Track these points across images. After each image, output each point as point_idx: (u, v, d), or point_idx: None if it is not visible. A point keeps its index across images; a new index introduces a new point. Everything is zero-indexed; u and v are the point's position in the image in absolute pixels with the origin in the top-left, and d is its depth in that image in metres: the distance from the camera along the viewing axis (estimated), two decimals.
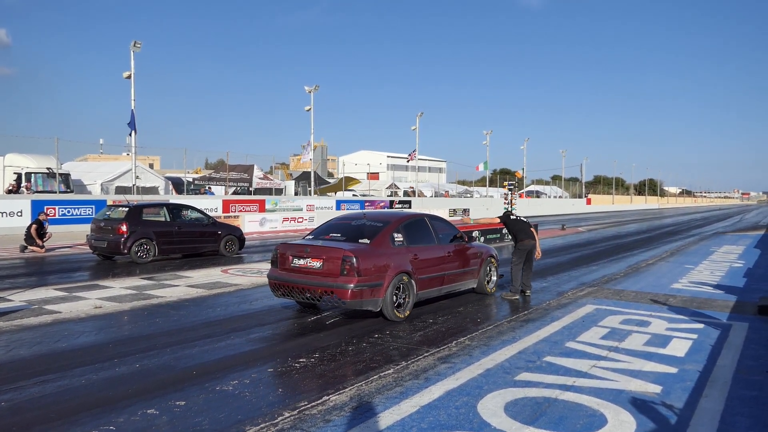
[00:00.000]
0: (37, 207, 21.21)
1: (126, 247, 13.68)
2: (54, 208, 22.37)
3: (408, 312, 8.10)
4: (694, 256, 17.54)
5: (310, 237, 8.71)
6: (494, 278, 10.36)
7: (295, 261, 7.98)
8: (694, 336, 7.18)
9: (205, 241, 15.53)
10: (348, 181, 47.88)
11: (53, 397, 4.91)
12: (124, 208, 14.45)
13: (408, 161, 50.26)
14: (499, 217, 10.85)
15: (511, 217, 10.50)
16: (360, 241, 8.08)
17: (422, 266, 8.43)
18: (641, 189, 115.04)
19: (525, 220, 10.37)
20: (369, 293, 7.55)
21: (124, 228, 13.73)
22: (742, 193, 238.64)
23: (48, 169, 26.74)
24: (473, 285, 9.94)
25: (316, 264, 7.75)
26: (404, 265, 8.06)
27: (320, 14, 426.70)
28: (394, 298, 7.85)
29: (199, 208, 17.08)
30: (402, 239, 8.34)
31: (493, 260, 10.32)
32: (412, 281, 8.15)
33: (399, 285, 7.92)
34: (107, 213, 14.75)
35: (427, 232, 9.01)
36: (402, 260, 8.08)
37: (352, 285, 7.39)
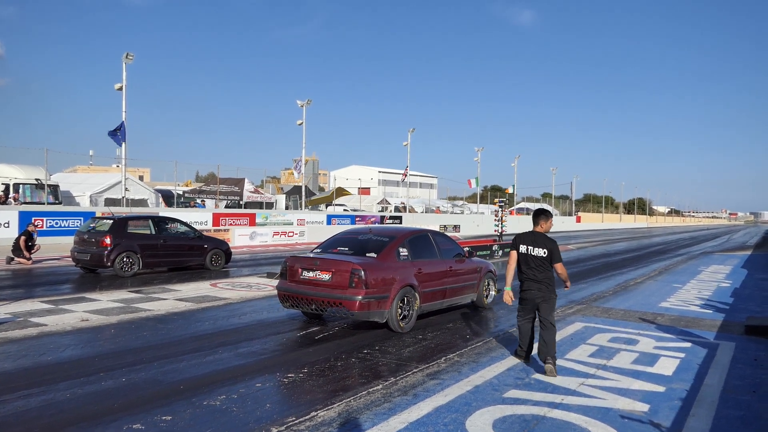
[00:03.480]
0: (24, 218, 21.04)
1: (109, 260, 13.52)
2: (42, 220, 22.19)
3: (412, 323, 8.34)
4: (682, 275, 17.66)
5: (318, 250, 8.93)
6: (492, 292, 10.65)
7: (305, 273, 8.20)
8: (682, 355, 7.21)
9: (190, 255, 15.40)
10: (340, 193, 47.88)
11: (37, 412, 4.84)
12: (108, 221, 14.32)
13: (402, 179, 50.47)
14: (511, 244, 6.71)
15: (521, 248, 6.45)
16: (367, 254, 8.31)
17: (426, 280, 8.69)
18: (630, 208, 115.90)
19: (541, 254, 6.33)
20: (376, 305, 7.78)
21: (107, 240, 13.59)
22: (730, 213, 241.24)
23: (37, 180, 26.58)
24: (473, 298, 10.22)
25: (325, 276, 7.98)
26: (409, 278, 8.32)
27: (314, 30, 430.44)
28: (399, 310, 8.09)
29: (185, 221, 16.98)
30: (407, 254, 8.60)
31: (491, 275, 10.62)
32: (416, 294, 8.40)
33: (404, 297, 8.16)
34: (91, 225, 14.58)
35: (430, 247, 9.25)
36: (407, 274, 8.34)
37: (360, 297, 7.63)
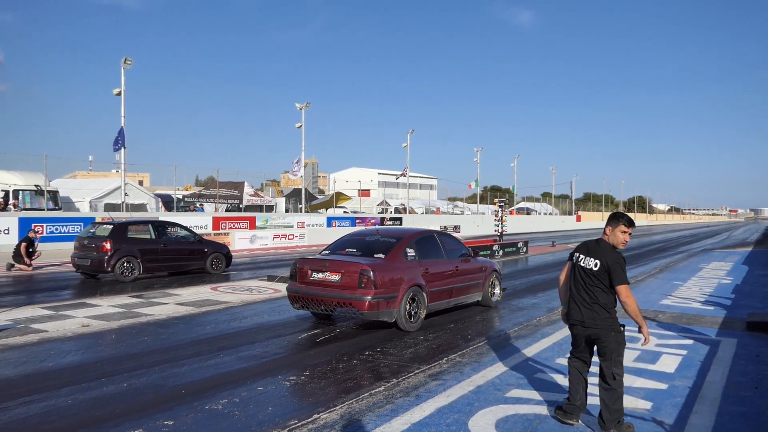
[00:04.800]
0: (24, 224, 21.03)
1: (110, 265, 13.49)
2: (42, 226, 22.17)
3: (420, 323, 8.46)
4: (682, 272, 17.65)
5: (327, 252, 9.08)
6: (497, 291, 10.76)
7: (314, 275, 8.32)
8: (684, 352, 7.20)
9: (191, 259, 15.37)
10: (339, 198, 47.90)
11: (38, 418, 4.83)
12: (108, 226, 14.30)
13: (398, 178, 50.51)
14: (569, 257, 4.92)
15: (575, 256, 4.76)
16: (375, 255, 8.44)
17: (433, 280, 8.82)
18: (630, 206, 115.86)
19: (591, 266, 4.56)
20: (385, 305, 7.90)
21: (108, 246, 13.55)
22: (730, 210, 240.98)
23: (36, 186, 26.57)
24: (478, 298, 10.33)
25: (335, 277, 8.10)
26: (416, 278, 8.45)
27: (314, 32, 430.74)
28: (408, 309, 8.20)
29: (185, 225, 16.96)
30: (414, 254, 8.74)
31: (496, 274, 10.74)
32: (424, 294, 8.53)
33: (412, 297, 8.29)
34: (91, 230, 14.57)
35: (436, 247, 9.39)
36: (414, 274, 8.47)
37: (369, 297, 7.76)
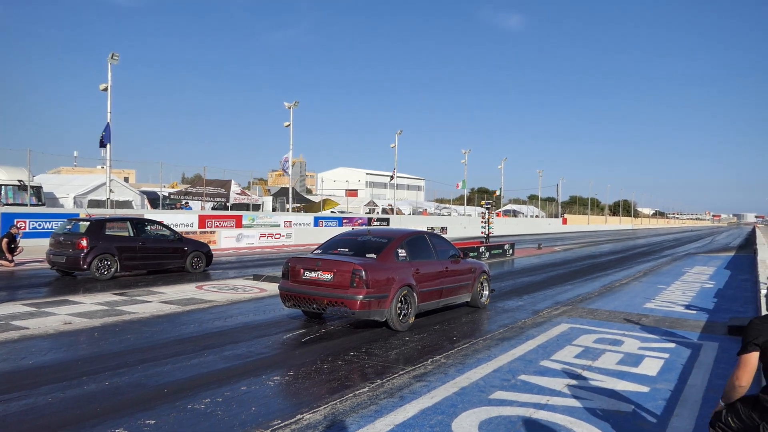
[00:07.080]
0: (7, 220, 20.72)
1: (86, 263, 13.24)
2: (25, 222, 21.87)
3: (411, 321, 8.56)
4: (666, 276, 17.83)
5: (319, 252, 9.12)
6: (486, 292, 10.85)
7: (307, 274, 8.39)
8: (666, 355, 7.28)
9: (170, 257, 15.14)
10: (327, 204, 47.78)
11: (17, 417, 4.76)
12: (84, 223, 14.09)
13: (389, 181, 50.54)
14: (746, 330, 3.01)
15: None
16: (367, 255, 8.51)
17: (423, 280, 8.93)
18: (616, 210, 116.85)
19: None
20: (376, 304, 7.99)
21: (84, 243, 13.32)
22: (713, 215, 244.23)
23: (19, 181, 26.21)
24: (468, 298, 10.41)
25: (327, 276, 8.17)
26: (407, 278, 8.55)
27: (302, 33, 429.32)
28: (398, 309, 8.29)
29: (165, 223, 16.70)
30: (405, 254, 8.84)
31: (485, 275, 10.81)
32: (414, 294, 8.63)
33: (403, 297, 8.37)
34: (67, 227, 14.33)
35: (427, 248, 9.49)
36: (405, 274, 8.56)
37: (361, 296, 7.84)
